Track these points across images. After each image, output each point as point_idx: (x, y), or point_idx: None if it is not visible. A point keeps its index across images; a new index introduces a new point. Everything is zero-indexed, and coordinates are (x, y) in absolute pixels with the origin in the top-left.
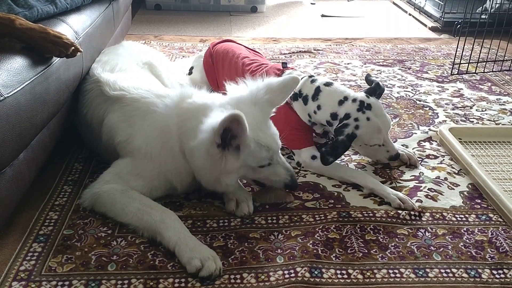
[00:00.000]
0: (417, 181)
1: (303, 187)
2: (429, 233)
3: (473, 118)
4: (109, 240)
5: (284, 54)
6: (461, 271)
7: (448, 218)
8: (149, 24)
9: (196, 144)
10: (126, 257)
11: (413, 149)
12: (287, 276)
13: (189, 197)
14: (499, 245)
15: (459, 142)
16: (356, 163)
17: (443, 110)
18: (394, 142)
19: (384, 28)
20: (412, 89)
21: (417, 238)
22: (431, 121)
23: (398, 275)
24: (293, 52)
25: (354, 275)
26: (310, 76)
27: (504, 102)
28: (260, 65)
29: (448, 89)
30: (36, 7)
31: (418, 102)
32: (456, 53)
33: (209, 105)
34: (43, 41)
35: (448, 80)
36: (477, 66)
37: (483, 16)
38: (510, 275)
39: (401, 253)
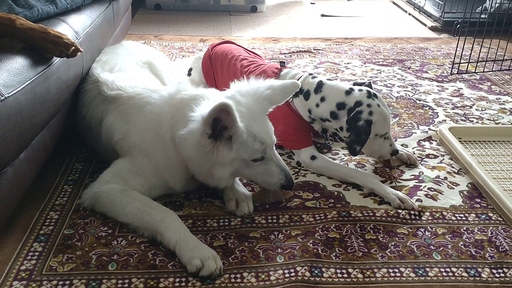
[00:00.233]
0: (417, 181)
1: (303, 186)
2: (429, 233)
3: (473, 117)
4: (109, 239)
5: (284, 53)
6: (461, 270)
7: (448, 217)
8: (149, 24)
9: (186, 134)
10: (127, 257)
11: (413, 148)
12: (287, 275)
13: (189, 196)
14: (498, 244)
15: (459, 141)
16: (356, 163)
17: (443, 109)
18: (394, 141)
19: (384, 28)
20: (412, 89)
21: (417, 237)
22: (431, 121)
23: (398, 274)
24: (293, 52)
25: (354, 274)
26: (310, 74)
27: (503, 101)
28: (258, 66)
29: (448, 89)
30: (37, 7)
31: (418, 101)
32: (456, 53)
33: (203, 95)
34: (43, 41)
35: (448, 80)
36: (476, 65)
37: (482, 16)
38: (509, 274)
39: (401, 252)
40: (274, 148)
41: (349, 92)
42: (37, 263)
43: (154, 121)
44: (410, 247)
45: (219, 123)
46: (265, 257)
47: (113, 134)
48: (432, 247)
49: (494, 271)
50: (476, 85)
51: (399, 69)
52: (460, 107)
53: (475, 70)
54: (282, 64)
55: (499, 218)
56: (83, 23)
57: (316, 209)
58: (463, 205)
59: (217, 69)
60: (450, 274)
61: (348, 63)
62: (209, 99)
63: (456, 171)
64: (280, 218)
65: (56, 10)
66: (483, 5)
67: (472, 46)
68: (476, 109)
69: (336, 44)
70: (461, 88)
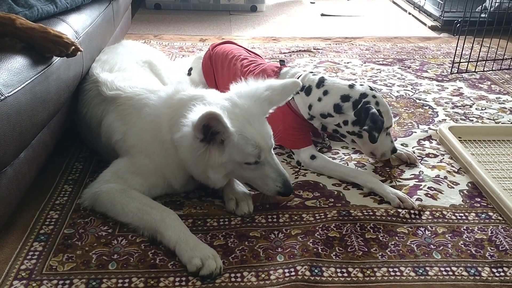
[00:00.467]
0: (417, 180)
1: (303, 185)
2: (429, 232)
3: (473, 116)
4: (109, 239)
5: (284, 53)
6: (461, 270)
7: (448, 216)
8: (149, 23)
9: (180, 137)
10: (127, 256)
11: (413, 148)
12: (287, 274)
13: (189, 196)
14: (498, 243)
15: (459, 140)
16: (356, 162)
17: (443, 109)
18: (394, 140)
19: (383, 27)
20: (411, 88)
21: (417, 236)
22: (430, 120)
23: (398, 273)
24: (293, 51)
25: (354, 274)
26: (311, 72)
27: (503, 100)
28: (258, 65)
29: (447, 88)
30: (36, 7)
31: (417, 101)
32: (455, 52)
33: (201, 96)
34: (43, 41)
35: (447, 79)
36: (476, 65)
37: (482, 15)
38: (509, 273)
39: (401, 251)
40: (273, 152)
41: (352, 86)
42: (37, 262)
43: (152, 123)
44: (410, 246)
45: (210, 129)
46: (265, 257)
47: (112, 135)
48: (432, 246)
49: (494, 270)
50: (476, 84)
51: (399, 68)
52: (460, 106)
53: (475, 69)
54: (282, 63)
55: (499, 217)
56: (83, 23)
57: (316, 208)
58: (463, 204)
59: (218, 69)
60: (450, 273)
61: (348, 63)
62: (208, 100)
63: (456, 170)
64: (280, 217)
65: (56, 9)
66: (483, 4)
67: (472, 46)
68: (476, 108)
69: (336, 44)
70: (461, 88)
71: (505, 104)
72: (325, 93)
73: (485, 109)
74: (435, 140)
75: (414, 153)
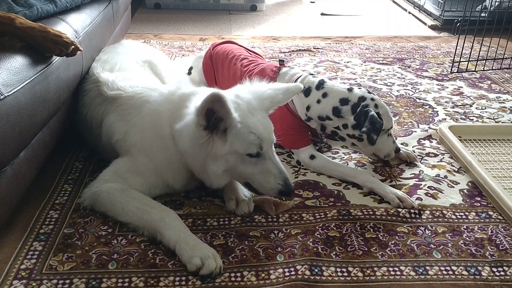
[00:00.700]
0: (417, 179)
1: (303, 185)
2: (429, 231)
3: (473, 116)
4: (109, 238)
5: (283, 52)
6: (461, 269)
7: (448, 216)
8: (149, 23)
9: (182, 126)
10: (127, 256)
11: (413, 147)
12: (287, 274)
13: (189, 195)
14: (499, 242)
15: (459, 140)
16: (356, 161)
17: (443, 108)
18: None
19: (383, 27)
20: (412, 88)
21: (417, 236)
22: (431, 119)
23: (398, 272)
24: (293, 51)
25: (354, 273)
26: (311, 74)
27: (503, 100)
28: (257, 65)
29: (448, 87)
30: (36, 6)
31: (418, 100)
32: (455, 51)
33: (203, 91)
34: (43, 40)
35: (448, 78)
36: (476, 64)
37: (482, 14)
38: (510, 272)
39: (401, 251)
40: (274, 149)
41: (350, 89)
42: (37, 262)
43: (153, 119)
44: (410, 245)
45: (214, 114)
46: (265, 256)
47: (113, 134)
48: (432, 245)
49: (494, 269)
50: (476, 83)
51: (399, 67)
52: (460, 105)
53: (475, 68)
54: (281, 62)
55: (499, 217)
56: (82, 22)
57: (316, 207)
58: (463, 203)
59: (218, 68)
60: (450, 272)
61: (348, 62)
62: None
63: (456, 169)
64: (280, 217)
65: (56, 9)
66: (483, 4)
67: (472, 45)
68: (476, 108)
69: (336, 43)
70: (461, 87)
71: (505, 104)
72: (324, 95)
73: (485, 108)
74: (435, 139)
75: (414, 152)
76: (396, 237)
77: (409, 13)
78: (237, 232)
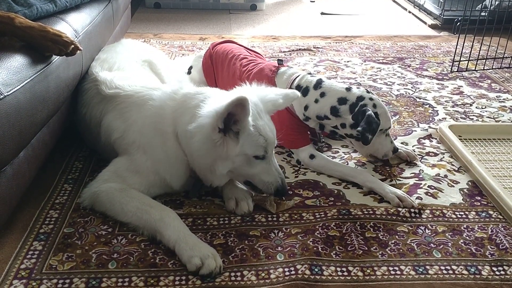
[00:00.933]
0: (417, 179)
1: (303, 184)
2: (429, 231)
3: (473, 115)
4: (109, 238)
5: (283, 52)
6: (461, 268)
7: (448, 215)
8: (149, 22)
9: (196, 128)
10: (127, 255)
11: (413, 146)
12: (287, 273)
13: (189, 195)
14: (499, 242)
15: (459, 139)
16: (356, 161)
17: (443, 107)
18: (394, 139)
19: (383, 26)
20: (412, 87)
21: (417, 235)
22: (431, 119)
23: (398, 272)
24: (293, 50)
25: (354, 272)
26: (309, 73)
27: (504, 99)
28: (256, 64)
29: (448, 87)
30: (36, 6)
31: (418, 99)
32: (456, 51)
33: (206, 93)
34: (42, 40)
35: (448, 78)
36: (476, 63)
37: (482, 14)
38: (510, 272)
39: (401, 250)
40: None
41: (349, 89)
42: (37, 261)
43: (155, 115)
44: (410, 245)
45: (232, 118)
46: (265, 255)
47: (112, 133)
48: (432, 245)
49: (495, 268)
50: (476, 83)
51: (399, 67)
52: (460, 105)
53: (475, 68)
54: (280, 62)
55: (499, 216)
56: (82, 22)
57: (316, 207)
58: (463, 203)
59: (218, 68)
60: (450, 272)
61: (348, 61)
62: (211, 97)
63: (456, 169)
64: (280, 216)
65: (55, 8)
66: (483, 3)
67: (472, 44)
68: (476, 107)
69: (336, 42)
70: (461, 86)
71: (505, 103)
72: (322, 95)
73: (485, 107)
74: (435, 138)
75: (414, 151)
76: (396, 236)
77: (409, 12)
78: (237, 231)
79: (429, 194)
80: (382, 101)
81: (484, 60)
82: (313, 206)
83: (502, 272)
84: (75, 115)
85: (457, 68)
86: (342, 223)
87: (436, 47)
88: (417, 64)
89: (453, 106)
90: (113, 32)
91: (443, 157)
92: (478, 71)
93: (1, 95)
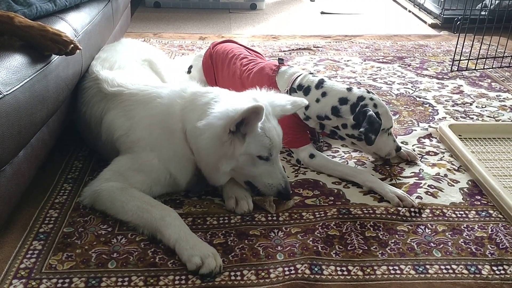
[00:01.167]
0: (417, 178)
1: (303, 184)
2: (429, 230)
3: (473, 114)
4: (109, 237)
5: (283, 51)
6: (461, 268)
7: (448, 214)
8: (149, 21)
9: (206, 126)
10: (127, 255)
11: (413, 146)
12: (287, 272)
13: (189, 194)
14: (499, 241)
15: (459, 138)
16: (356, 160)
17: (443, 106)
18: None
19: (383, 25)
20: (412, 86)
21: (417, 234)
22: (431, 118)
23: (398, 271)
24: (293, 49)
25: (354, 272)
26: (311, 73)
27: (504, 98)
28: (257, 64)
29: (448, 86)
30: (35, 5)
31: (418, 99)
32: (456, 50)
33: (217, 90)
34: (42, 39)
35: (448, 77)
36: (477, 62)
37: (482, 13)
38: (510, 271)
39: (401, 249)
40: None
41: (349, 89)
42: (36, 261)
43: (163, 113)
44: (410, 244)
45: (244, 121)
46: (265, 255)
47: (115, 131)
48: (432, 244)
49: (495, 268)
50: (476, 82)
51: (399, 66)
52: (460, 104)
53: (475, 67)
54: (280, 61)
55: (500, 215)
56: (82, 21)
57: (316, 206)
58: (463, 202)
59: (218, 67)
60: (451, 271)
61: (348, 61)
62: (222, 96)
63: (456, 168)
64: (280, 215)
65: (55, 7)
66: (483, 2)
67: (472, 43)
68: (476, 106)
69: (336, 42)
70: (461, 85)
71: (505, 102)
72: (324, 94)
73: (485, 107)
74: (435, 138)
75: (414, 151)
76: (396, 236)
77: (409, 11)
78: (237, 231)
79: (429, 193)
80: (382, 100)
81: (484, 59)
82: (313, 206)
83: (502, 272)
84: (74, 114)
85: (457, 67)
86: (342, 222)
87: (436, 46)
88: (417, 63)
89: (453, 105)
90: (113, 31)
91: (443, 156)
92: (478, 70)
93: (1, 94)
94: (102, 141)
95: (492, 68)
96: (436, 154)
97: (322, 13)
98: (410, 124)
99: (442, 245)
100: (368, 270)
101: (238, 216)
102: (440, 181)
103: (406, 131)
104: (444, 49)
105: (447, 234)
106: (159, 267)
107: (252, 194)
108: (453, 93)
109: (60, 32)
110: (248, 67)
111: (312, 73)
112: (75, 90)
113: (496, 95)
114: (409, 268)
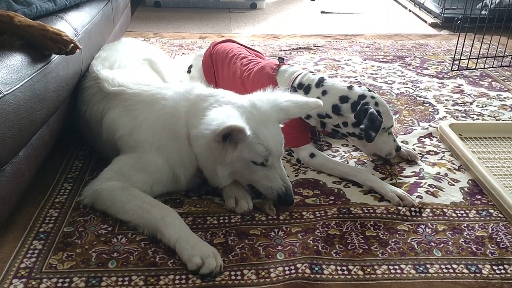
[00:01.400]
0: (417, 177)
1: (303, 183)
2: (430, 229)
3: (473, 114)
4: (109, 237)
5: (284, 50)
6: (461, 267)
7: (449, 214)
8: (149, 21)
9: (198, 135)
10: (127, 254)
11: (413, 145)
12: (287, 272)
13: (189, 194)
14: (499, 240)
15: (460, 138)
16: (356, 160)
17: (443, 106)
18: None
19: (384, 24)
20: (412, 85)
21: (417, 234)
22: (431, 117)
23: (398, 271)
24: (293, 49)
25: (354, 271)
26: (311, 72)
27: (504, 98)
28: (257, 63)
29: (448, 85)
30: (35, 4)
31: (418, 98)
32: (456, 49)
33: (220, 93)
34: (42, 38)
35: (448, 76)
36: (477, 62)
37: (483, 12)
38: (510, 270)
39: (401, 249)
40: (281, 161)
41: (350, 87)
42: (36, 261)
43: (169, 115)
44: (410, 244)
45: (230, 134)
46: (265, 254)
47: (117, 130)
48: (432, 243)
49: (495, 267)
50: (477, 81)
51: (399, 65)
52: (460, 103)
53: (476, 66)
54: (281, 60)
55: (500, 215)
56: (82, 20)
57: (316, 206)
58: (464, 201)
59: (218, 67)
60: (451, 270)
61: (348, 60)
62: (221, 102)
63: (457, 167)
64: (280, 215)
65: (55, 7)
66: (484, 1)
67: (473, 43)
68: (476, 106)
69: (336, 41)
70: (462, 85)
71: (506, 101)
72: (324, 93)
73: (485, 106)
74: (436, 137)
75: (414, 150)
76: (397, 235)
77: (410, 11)
78: (237, 230)
79: (429, 192)
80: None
81: (485, 59)
82: (313, 205)
83: (503, 271)
84: (75, 113)
85: (457, 66)
86: (342, 222)
87: (437, 45)
88: (417, 63)
89: (453, 105)
90: (113, 30)
91: (444, 155)
92: (479, 69)
93: (1, 94)
94: (102, 140)
95: (493, 67)
96: (436, 153)
97: (323, 12)
98: (410, 124)
99: (442, 245)
100: (369, 270)
101: (238, 216)
102: (441, 181)
103: (406, 131)
104: (444, 49)
105: (447, 233)
106: (159, 266)
107: (252, 195)
108: (454, 93)
109: (60, 32)
110: (249, 67)
111: (312, 72)
112: (75, 90)
113: (497, 95)
114: (409, 267)
